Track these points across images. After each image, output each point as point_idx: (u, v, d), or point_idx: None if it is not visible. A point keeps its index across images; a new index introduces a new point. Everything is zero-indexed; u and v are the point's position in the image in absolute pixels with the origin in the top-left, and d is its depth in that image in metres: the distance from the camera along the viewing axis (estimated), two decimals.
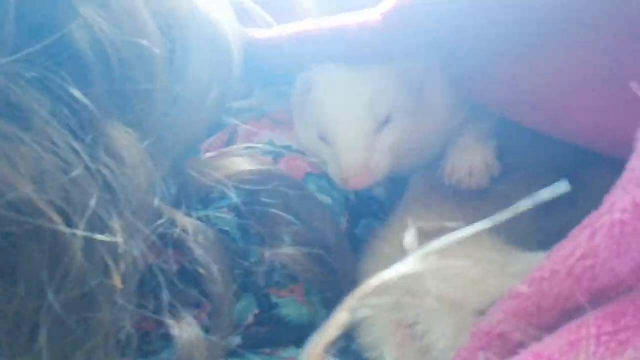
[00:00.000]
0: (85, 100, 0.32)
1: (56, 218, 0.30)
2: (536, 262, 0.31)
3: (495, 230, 0.40)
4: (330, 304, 0.43)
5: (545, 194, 0.29)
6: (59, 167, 0.30)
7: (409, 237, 0.32)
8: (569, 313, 0.30)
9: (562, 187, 0.29)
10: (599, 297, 0.30)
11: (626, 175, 0.28)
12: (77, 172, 0.31)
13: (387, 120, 0.45)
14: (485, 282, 0.38)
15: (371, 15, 0.43)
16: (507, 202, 0.42)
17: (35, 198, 0.29)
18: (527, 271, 0.31)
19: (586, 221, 0.29)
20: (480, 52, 0.43)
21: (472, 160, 0.46)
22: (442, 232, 0.33)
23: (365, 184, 0.44)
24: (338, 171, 0.45)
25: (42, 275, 0.30)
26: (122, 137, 0.34)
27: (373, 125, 0.45)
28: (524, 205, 0.29)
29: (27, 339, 0.31)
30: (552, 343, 0.29)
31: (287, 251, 0.41)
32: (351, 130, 0.45)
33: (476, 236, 0.33)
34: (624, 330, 0.29)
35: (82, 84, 0.32)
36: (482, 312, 0.35)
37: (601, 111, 0.39)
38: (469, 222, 0.35)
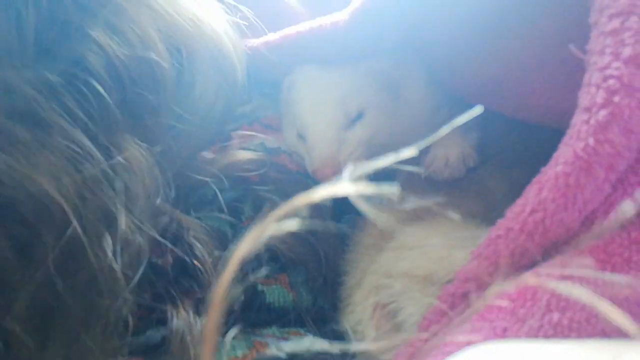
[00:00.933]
0: (100, 113, 0.35)
1: (69, 210, 0.32)
2: None
3: (469, 214, 0.42)
4: (315, 290, 0.45)
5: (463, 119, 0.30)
6: (75, 169, 0.33)
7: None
8: (525, 269, 0.31)
9: (477, 110, 0.30)
10: (552, 252, 0.32)
11: (568, 131, 0.30)
12: (91, 173, 0.34)
13: (359, 116, 0.47)
14: (451, 256, 0.39)
15: (340, 16, 0.45)
16: (482, 186, 0.45)
17: (52, 192, 0.32)
18: None
19: (535, 178, 0.31)
20: (445, 45, 0.46)
21: (449, 152, 0.48)
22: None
23: (334, 175, 0.45)
24: (310, 163, 0.47)
25: (50, 262, 0.32)
26: (132, 148, 0.37)
27: (343, 120, 0.47)
28: (444, 131, 0.29)
29: (39, 323, 0.33)
30: (502, 292, 0.31)
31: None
32: (321, 125, 0.47)
33: (446, 218, 0.36)
34: (569, 277, 0.30)
35: (96, 99, 0.35)
36: (450, 283, 0.36)
37: (555, 91, 0.41)
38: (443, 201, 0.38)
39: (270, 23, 0.52)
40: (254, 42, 0.51)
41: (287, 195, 0.43)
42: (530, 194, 0.31)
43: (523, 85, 0.43)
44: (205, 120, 0.44)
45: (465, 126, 0.48)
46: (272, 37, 0.49)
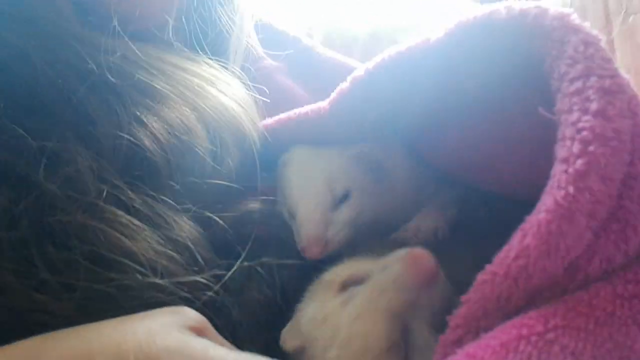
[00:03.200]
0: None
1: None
2: None
3: None
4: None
5: None
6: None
7: None
8: (511, 315, 0.32)
9: None
10: (537, 298, 0.32)
11: (549, 182, 0.31)
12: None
13: (345, 197, 0.50)
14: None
15: (324, 104, 0.49)
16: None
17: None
18: None
19: (520, 225, 0.32)
20: (421, 131, 0.49)
21: (421, 224, 0.49)
22: None
23: (321, 253, 0.48)
24: (299, 241, 0.49)
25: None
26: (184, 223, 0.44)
27: (330, 201, 0.49)
28: None
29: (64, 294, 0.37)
30: (485, 343, 0.31)
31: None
32: (309, 206, 0.49)
33: None
34: (552, 330, 0.30)
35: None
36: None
37: (526, 166, 0.42)
38: None
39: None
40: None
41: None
42: (515, 241, 0.31)
43: (497, 163, 0.45)
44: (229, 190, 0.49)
45: (444, 203, 0.51)
46: (268, 121, 0.55)
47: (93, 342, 0.33)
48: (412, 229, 0.49)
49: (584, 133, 0.30)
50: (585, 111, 0.31)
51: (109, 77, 0.43)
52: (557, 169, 0.31)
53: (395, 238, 0.48)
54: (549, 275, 0.31)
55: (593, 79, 0.31)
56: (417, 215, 0.50)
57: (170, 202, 0.43)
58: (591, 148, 0.30)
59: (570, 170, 0.30)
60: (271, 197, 0.51)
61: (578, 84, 0.32)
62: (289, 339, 0.43)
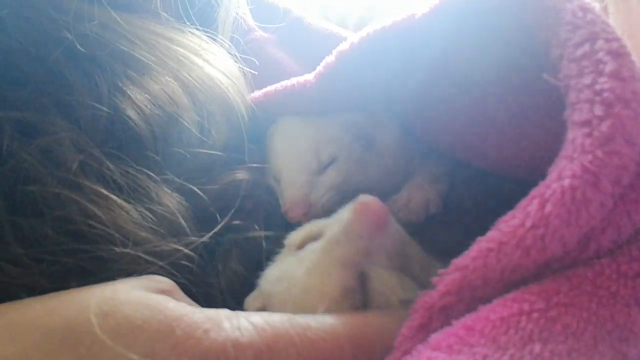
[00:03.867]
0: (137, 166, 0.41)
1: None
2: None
3: None
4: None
5: None
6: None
7: None
8: (513, 285, 0.30)
9: None
10: (544, 270, 0.30)
11: (567, 147, 0.30)
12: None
13: (331, 163, 0.50)
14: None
15: (310, 77, 0.49)
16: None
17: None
18: None
19: (533, 192, 0.30)
20: (416, 105, 0.49)
21: (412, 195, 0.49)
22: None
23: (304, 215, 0.48)
24: (282, 204, 0.50)
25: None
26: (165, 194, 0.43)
27: (315, 166, 0.50)
28: None
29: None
30: (485, 316, 0.29)
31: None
32: (293, 169, 0.50)
33: None
34: (554, 307, 0.29)
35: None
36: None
37: (507, 144, 0.43)
38: None
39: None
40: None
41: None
42: (531, 209, 0.29)
43: (500, 144, 0.44)
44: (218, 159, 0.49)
45: (435, 176, 0.51)
46: (256, 93, 0.54)
47: (58, 299, 0.33)
48: (402, 199, 0.48)
49: (605, 94, 0.29)
50: (600, 73, 0.29)
51: (87, 45, 0.42)
52: (578, 133, 0.29)
53: None
54: (563, 246, 0.29)
55: (600, 42, 0.30)
56: (405, 186, 0.50)
57: (153, 174, 0.42)
58: (615, 109, 0.28)
59: (596, 133, 0.28)
60: (259, 165, 0.50)
61: (585, 48, 0.31)
62: (251, 302, 0.42)
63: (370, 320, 0.35)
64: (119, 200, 0.40)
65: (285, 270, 0.41)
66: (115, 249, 0.38)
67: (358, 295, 0.38)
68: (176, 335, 0.30)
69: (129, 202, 0.40)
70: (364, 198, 0.38)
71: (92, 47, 0.42)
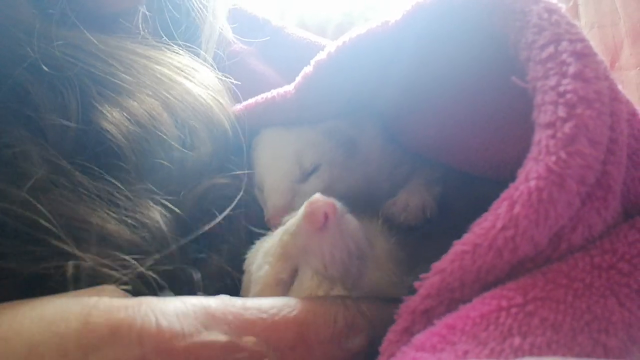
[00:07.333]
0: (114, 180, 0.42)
1: None
2: None
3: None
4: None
5: None
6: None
7: None
8: (490, 286, 0.31)
9: None
10: (518, 269, 0.31)
11: (534, 149, 0.30)
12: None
13: (314, 170, 0.50)
14: None
15: (290, 88, 0.50)
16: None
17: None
18: None
19: (503, 194, 0.31)
20: (389, 108, 0.50)
21: (410, 198, 0.49)
22: None
23: None
24: (265, 212, 0.50)
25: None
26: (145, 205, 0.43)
27: (298, 174, 0.50)
28: None
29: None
30: (465, 314, 0.30)
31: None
32: (276, 177, 0.50)
33: None
34: (532, 302, 0.29)
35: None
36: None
37: (490, 146, 0.43)
38: None
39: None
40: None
41: None
42: (501, 210, 0.30)
43: (462, 141, 0.45)
44: (203, 173, 0.50)
45: (429, 180, 0.51)
46: (238, 106, 0.55)
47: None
48: (400, 203, 0.48)
49: (568, 96, 0.29)
50: (563, 75, 0.30)
51: (52, 64, 0.43)
52: (542, 134, 0.30)
53: (383, 212, 0.48)
54: (534, 246, 0.30)
55: (564, 44, 0.31)
56: (401, 191, 0.50)
57: (130, 185, 0.43)
58: (578, 110, 0.29)
59: (559, 134, 0.29)
60: (240, 172, 0.50)
61: (550, 50, 0.31)
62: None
63: (307, 303, 0.36)
64: (88, 210, 0.40)
65: (249, 263, 0.44)
66: (88, 260, 0.38)
67: (288, 288, 0.40)
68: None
69: (107, 213, 0.41)
70: (314, 197, 0.39)
71: (59, 66, 0.43)
